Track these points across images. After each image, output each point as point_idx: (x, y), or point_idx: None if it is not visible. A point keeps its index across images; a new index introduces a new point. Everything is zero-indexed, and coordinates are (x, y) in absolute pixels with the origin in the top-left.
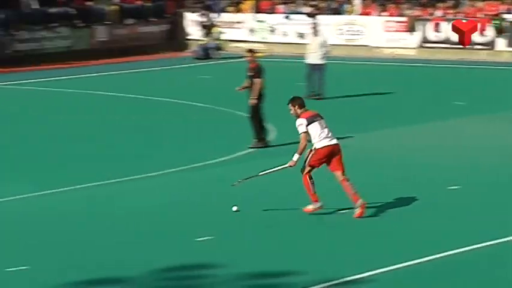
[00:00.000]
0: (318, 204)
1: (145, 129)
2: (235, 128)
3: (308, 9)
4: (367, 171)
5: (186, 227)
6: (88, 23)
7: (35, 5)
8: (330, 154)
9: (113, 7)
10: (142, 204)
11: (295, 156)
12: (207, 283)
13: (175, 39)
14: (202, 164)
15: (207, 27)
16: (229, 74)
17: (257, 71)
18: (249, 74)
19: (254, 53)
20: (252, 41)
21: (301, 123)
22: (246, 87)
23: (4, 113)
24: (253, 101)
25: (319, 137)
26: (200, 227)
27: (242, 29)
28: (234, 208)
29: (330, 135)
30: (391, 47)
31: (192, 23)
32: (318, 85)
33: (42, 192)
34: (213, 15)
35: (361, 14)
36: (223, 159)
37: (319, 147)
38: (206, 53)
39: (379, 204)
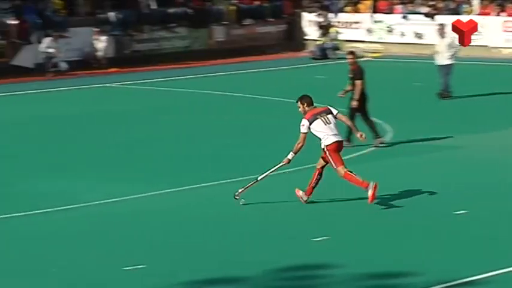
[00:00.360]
0: (372, 185)
1: (262, 130)
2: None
3: (426, 10)
4: (487, 171)
5: (302, 227)
6: (206, 23)
7: (154, 5)
8: (338, 149)
9: (230, 7)
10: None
11: (290, 155)
12: (323, 283)
13: (293, 39)
14: None
15: (324, 28)
16: (345, 74)
17: (358, 73)
18: (350, 76)
19: (355, 55)
20: (369, 41)
21: (303, 124)
22: (348, 91)
23: (123, 113)
24: (354, 103)
25: (325, 133)
26: (316, 227)
27: (359, 29)
28: (242, 202)
29: (336, 132)
30: (510, 47)
31: (309, 23)
32: (444, 85)
33: (159, 192)
34: (330, 15)
35: (479, 14)
36: (343, 158)
37: (328, 144)
38: (324, 53)
39: (499, 204)
